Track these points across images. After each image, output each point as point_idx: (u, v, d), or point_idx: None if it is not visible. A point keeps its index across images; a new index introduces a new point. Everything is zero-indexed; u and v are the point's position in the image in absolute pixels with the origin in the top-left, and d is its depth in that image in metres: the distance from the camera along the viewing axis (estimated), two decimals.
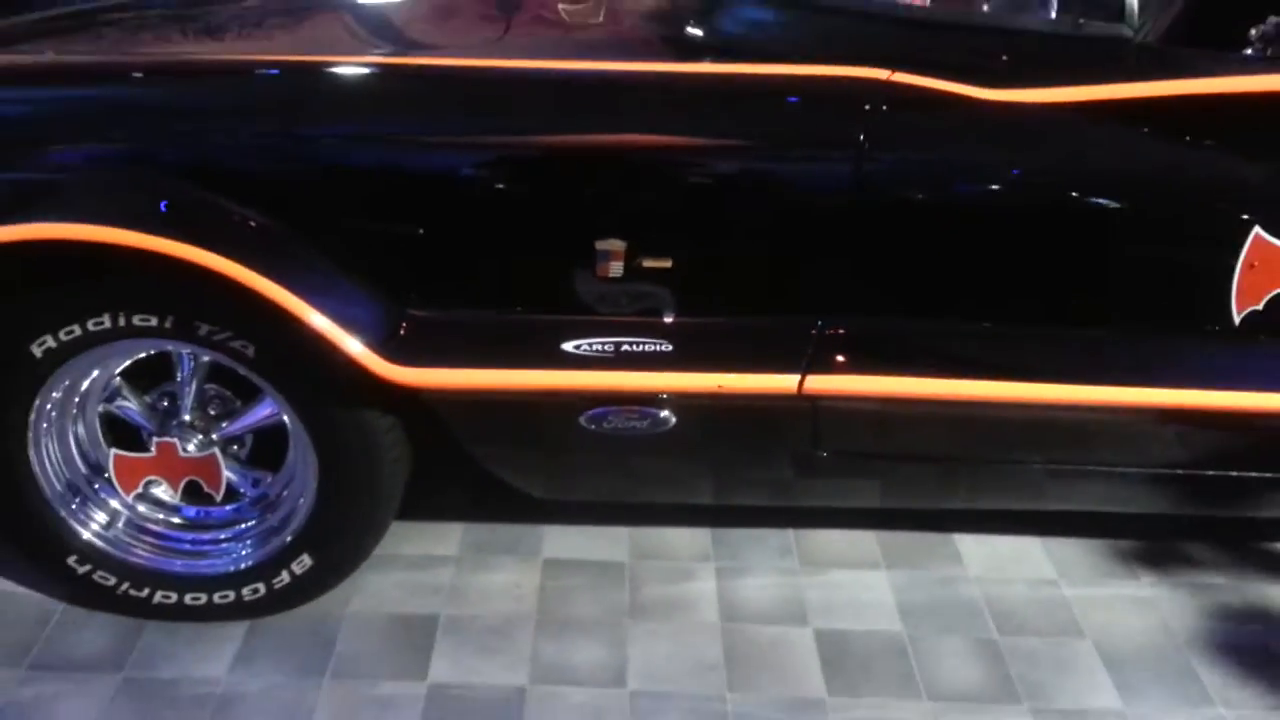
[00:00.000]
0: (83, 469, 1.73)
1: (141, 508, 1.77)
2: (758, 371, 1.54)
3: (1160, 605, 1.87)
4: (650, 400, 1.58)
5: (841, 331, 1.56)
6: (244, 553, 1.76)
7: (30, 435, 1.64)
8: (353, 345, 1.47)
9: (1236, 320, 1.54)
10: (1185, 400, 1.59)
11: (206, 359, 1.65)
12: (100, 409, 1.73)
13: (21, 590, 1.84)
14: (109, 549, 1.74)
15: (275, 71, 1.61)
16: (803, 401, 1.56)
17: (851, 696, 1.68)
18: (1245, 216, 1.48)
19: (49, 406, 1.64)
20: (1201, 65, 1.54)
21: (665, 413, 1.59)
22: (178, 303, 1.52)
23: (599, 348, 1.55)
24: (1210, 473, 1.72)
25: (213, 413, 1.73)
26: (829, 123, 1.51)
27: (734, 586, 1.89)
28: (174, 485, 1.74)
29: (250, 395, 1.70)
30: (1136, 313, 1.59)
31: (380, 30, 1.93)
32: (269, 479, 1.78)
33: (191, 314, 1.53)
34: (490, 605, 1.84)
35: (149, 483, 1.74)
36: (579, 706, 1.65)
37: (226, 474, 1.73)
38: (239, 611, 1.78)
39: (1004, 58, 1.56)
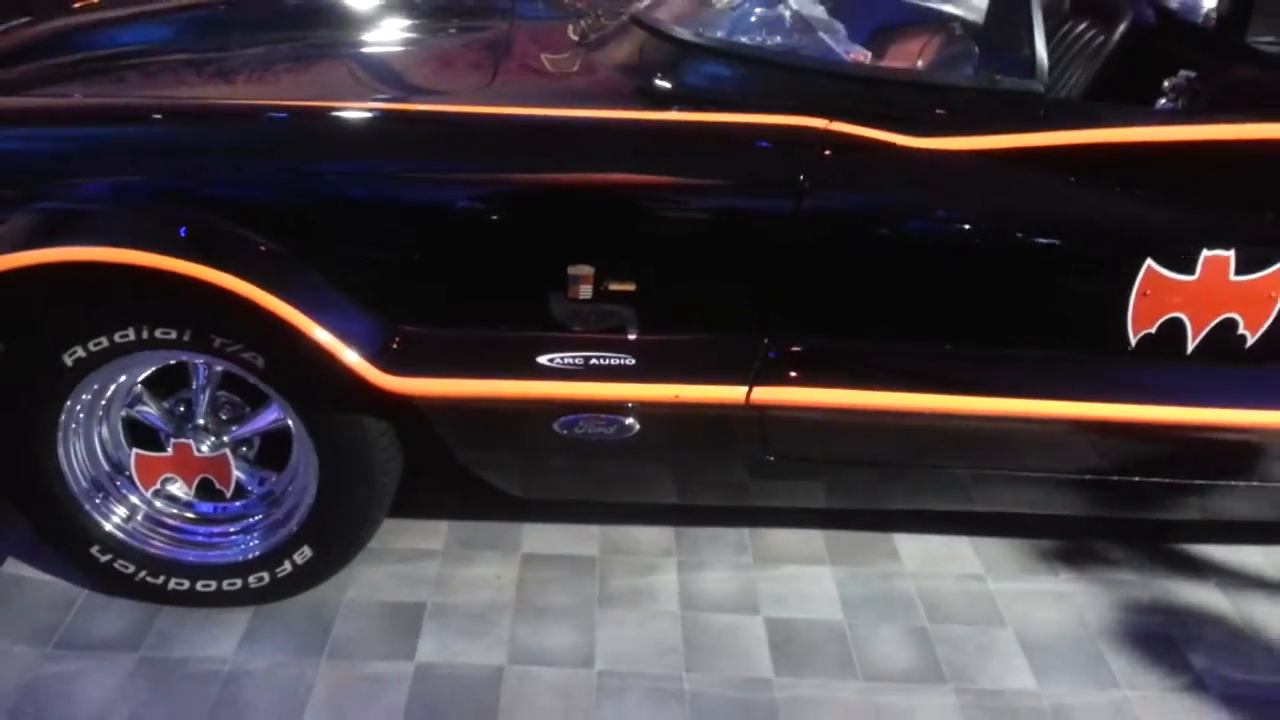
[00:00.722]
0: (106, 467, 1.88)
1: (159, 503, 1.92)
2: (710, 383, 1.71)
3: (1075, 598, 2.05)
4: (616, 408, 1.74)
5: (785, 348, 1.74)
6: (251, 544, 1.91)
7: (60, 435, 1.78)
8: (351, 356, 1.62)
9: (1133, 342, 1.73)
10: (1091, 413, 1.78)
11: (220, 368, 1.80)
12: (123, 413, 1.87)
13: (48, 577, 1.99)
14: (129, 540, 1.89)
15: (282, 115, 1.74)
16: (751, 410, 1.73)
17: (795, 677, 1.85)
18: (1138, 250, 1.68)
19: (78, 409, 1.79)
20: (1101, 117, 1.74)
21: (630, 420, 1.75)
22: (195, 318, 1.66)
23: (570, 361, 1.71)
24: (1116, 478, 1.91)
25: (224, 417, 1.88)
26: (774, 165, 1.68)
27: (694, 579, 2.06)
28: (189, 482, 1.90)
29: (258, 401, 1.85)
30: (1047, 334, 1.77)
31: (378, 77, 2.09)
32: (274, 478, 1.93)
33: (207, 328, 1.67)
34: (473, 594, 2.00)
35: (166, 480, 1.89)
36: (551, 684, 1.81)
37: (236, 473, 1.89)
38: (246, 598, 1.92)
39: (929, 109, 1.74)
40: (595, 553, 2.13)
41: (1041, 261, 1.73)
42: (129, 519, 1.90)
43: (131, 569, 1.90)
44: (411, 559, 2.08)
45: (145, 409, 1.88)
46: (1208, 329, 1.72)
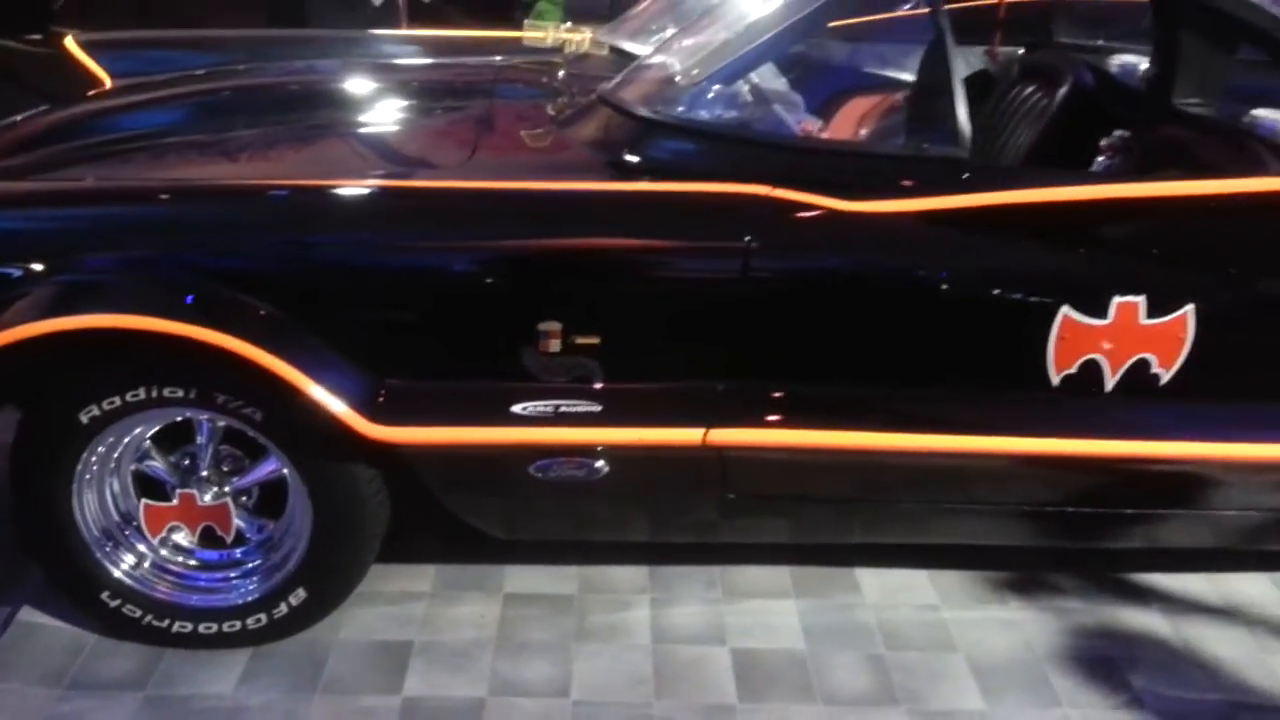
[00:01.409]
0: (116, 517, 2.02)
1: (164, 551, 2.05)
2: (669, 426, 1.87)
3: (1024, 625, 2.18)
4: (586, 452, 1.89)
5: (738, 393, 1.89)
6: (250, 588, 2.04)
7: (74, 488, 1.92)
8: (340, 408, 1.77)
9: (1055, 381, 1.89)
10: (1026, 448, 1.93)
11: (222, 423, 1.94)
12: (133, 467, 2.01)
13: (60, 623, 2.11)
14: (136, 586, 2.02)
15: (279, 192, 1.91)
16: (709, 451, 1.88)
17: (757, 702, 1.97)
18: (1054, 298, 1.84)
19: (92, 462, 1.93)
20: (1018, 179, 1.91)
21: (599, 462, 1.89)
22: (199, 377, 1.82)
23: (542, 409, 1.86)
24: (1058, 509, 2.06)
25: (225, 469, 2.02)
26: (723, 229, 1.85)
27: (665, 614, 2.19)
28: (193, 530, 2.04)
29: (257, 454, 1.99)
30: (979, 376, 1.93)
31: (368, 155, 2.26)
32: (272, 525, 2.06)
33: (211, 386, 1.83)
34: (457, 632, 2.13)
35: (172, 528, 2.03)
36: (529, 713, 1.94)
37: (236, 521, 2.03)
38: (245, 639, 2.05)
39: (862, 175, 1.91)
40: (574, 591, 2.26)
41: (967, 310, 1.89)
42: (137, 566, 2.03)
43: (139, 613, 2.03)
44: (401, 600, 2.21)
45: (153, 463, 2.02)
46: (1124, 368, 1.87)
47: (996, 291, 1.88)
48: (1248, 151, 2.06)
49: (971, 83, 2.95)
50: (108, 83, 2.81)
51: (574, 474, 1.91)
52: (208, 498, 2.01)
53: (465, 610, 2.20)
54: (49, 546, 1.99)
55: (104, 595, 2.02)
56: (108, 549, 2.01)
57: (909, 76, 2.67)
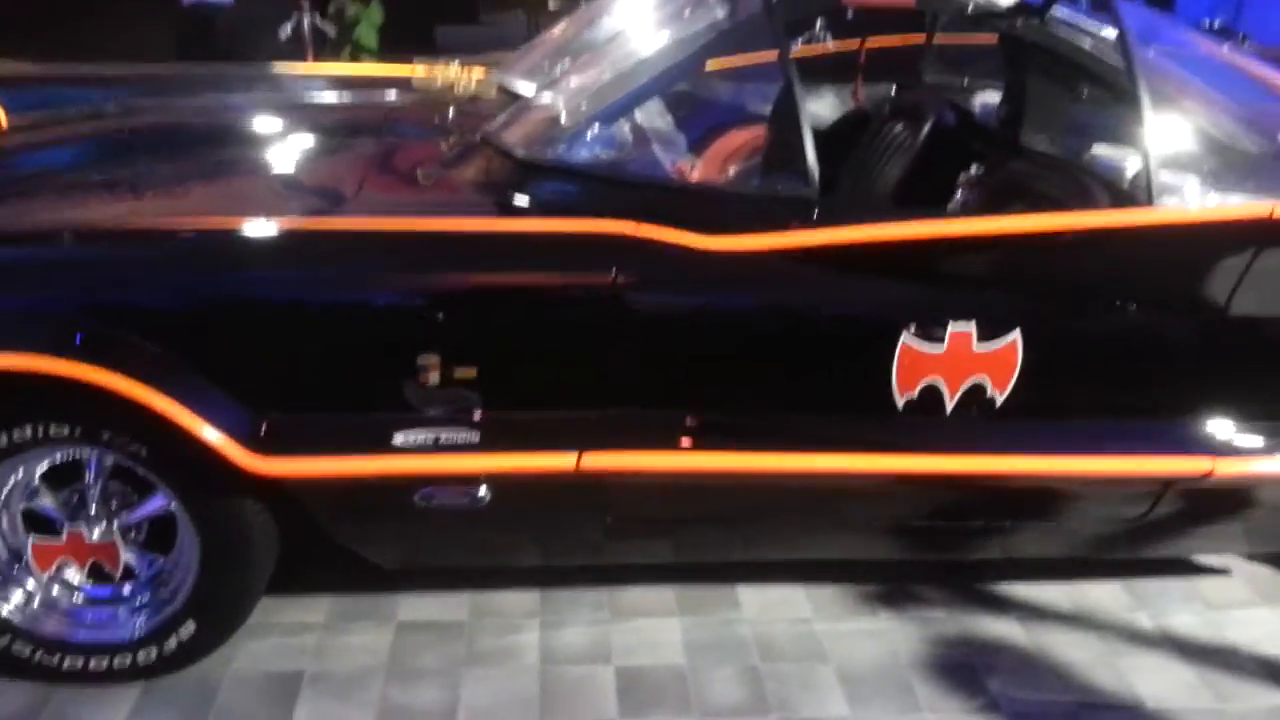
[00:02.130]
0: (4, 554, 2.05)
1: (54, 587, 2.08)
2: (544, 452, 1.95)
3: (891, 635, 2.30)
4: (467, 480, 1.96)
5: (609, 419, 1.98)
6: (139, 622, 2.08)
7: None
8: (223, 443, 1.83)
9: (900, 404, 2.02)
10: (877, 467, 2.05)
11: (109, 460, 1.99)
12: (22, 506, 2.04)
13: None
14: (25, 623, 2.04)
15: (168, 232, 1.96)
16: (584, 476, 1.97)
17: (638, 717, 2.06)
18: (895, 329, 1.97)
19: None
20: (861, 217, 2.04)
21: (481, 490, 1.97)
22: (85, 414, 1.86)
23: (423, 439, 1.92)
24: (913, 524, 2.19)
25: (114, 505, 2.05)
26: (591, 264, 1.95)
27: (554, 636, 2.27)
28: (81, 566, 2.07)
29: (146, 490, 2.03)
30: (833, 400, 2.06)
31: (250, 194, 2.28)
32: (163, 559, 2.10)
33: (97, 423, 1.87)
34: (349, 661, 2.18)
35: (61, 564, 2.06)
36: None
37: (125, 556, 2.06)
38: (135, 673, 2.08)
39: (720, 214, 2.03)
40: (465, 617, 2.32)
41: (817, 340, 2.02)
42: (26, 603, 2.06)
43: (28, 651, 2.05)
44: (294, 631, 2.26)
45: (43, 501, 2.05)
46: (961, 391, 2.01)
47: (842, 322, 2.02)
48: (1081, 187, 2.22)
49: (848, 121, 3.13)
50: (3, 120, 2.83)
51: (457, 502, 1.98)
52: (96, 534, 2.05)
53: (357, 639, 2.25)
54: None
55: None
56: None
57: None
